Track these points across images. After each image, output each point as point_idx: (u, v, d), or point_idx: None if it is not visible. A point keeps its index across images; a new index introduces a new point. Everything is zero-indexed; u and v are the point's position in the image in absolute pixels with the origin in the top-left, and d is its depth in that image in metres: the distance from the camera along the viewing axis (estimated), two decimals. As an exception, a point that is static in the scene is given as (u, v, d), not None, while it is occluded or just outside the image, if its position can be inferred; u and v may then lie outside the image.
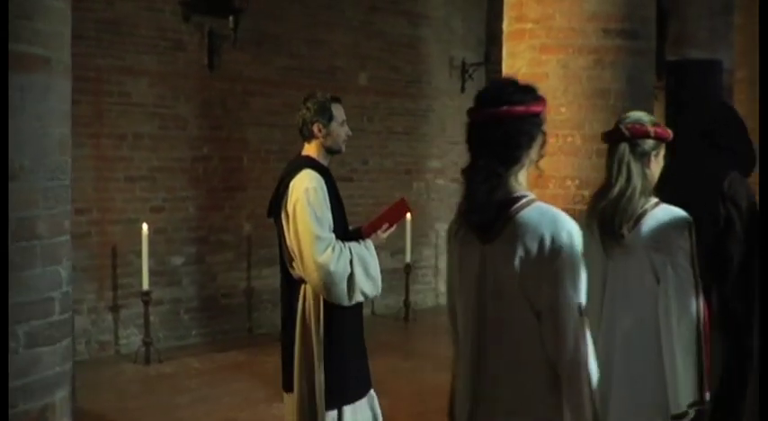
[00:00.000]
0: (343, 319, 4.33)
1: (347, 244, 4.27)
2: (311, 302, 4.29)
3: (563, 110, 5.60)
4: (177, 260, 8.34)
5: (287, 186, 4.30)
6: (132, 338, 8.01)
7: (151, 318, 7.97)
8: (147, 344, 7.67)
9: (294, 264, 4.27)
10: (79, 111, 7.47)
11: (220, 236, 8.61)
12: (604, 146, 5.56)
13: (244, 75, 8.69)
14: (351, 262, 4.22)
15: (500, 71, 10.68)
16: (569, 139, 5.60)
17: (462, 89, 10.77)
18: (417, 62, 10.37)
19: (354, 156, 9.63)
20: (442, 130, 10.61)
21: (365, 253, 4.32)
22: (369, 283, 4.32)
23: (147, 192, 8.08)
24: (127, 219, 7.95)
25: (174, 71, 8.21)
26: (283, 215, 4.31)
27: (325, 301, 4.25)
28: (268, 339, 8.48)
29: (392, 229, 4.48)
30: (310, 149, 4.47)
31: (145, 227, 7.60)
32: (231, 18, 8.03)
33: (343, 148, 4.50)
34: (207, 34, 8.34)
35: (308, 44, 9.19)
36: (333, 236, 4.17)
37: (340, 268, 4.14)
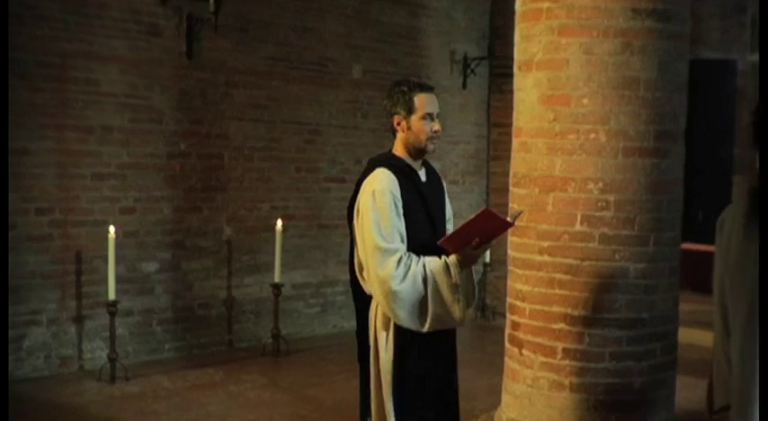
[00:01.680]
0: (414, 350, 3.84)
1: (422, 259, 3.74)
2: (380, 322, 3.85)
3: (585, 101, 4.97)
4: (150, 266, 7.65)
5: (359, 186, 3.96)
6: (98, 353, 7.30)
7: (120, 331, 7.31)
8: (112, 360, 6.93)
9: (364, 275, 3.89)
10: (41, 100, 6.86)
11: (198, 240, 7.95)
12: (632, 143, 4.93)
13: (226, 64, 8.03)
14: (424, 280, 3.68)
15: (504, 66, 10.37)
16: (592, 136, 4.96)
17: (464, 85, 10.18)
18: (416, 55, 9.72)
19: (347, 155, 9.03)
20: (443, 129, 9.80)
21: (441, 271, 3.73)
22: (444, 308, 3.75)
23: (116, 191, 7.40)
24: (93, 220, 7.25)
25: (149, 58, 7.52)
26: (355, 219, 3.95)
27: (395, 324, 3.78)
28: (249, 354, 7.90)
29: (486, 246, 3.81)
30: (396, 145, 3.99)
31: (112, 229, 6.91)
32: (212, 1, 7.28)
33: (429, 147, 3.91)
34: (185, 18, 7.66)
35: (296, 32, 8.52)
36: (401, 247, 3.71)
37: (406, 287, 3.68)
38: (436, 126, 3.86)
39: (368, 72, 9.20)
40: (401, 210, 3.73)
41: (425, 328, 3.75)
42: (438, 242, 3.75)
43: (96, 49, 7.18)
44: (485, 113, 10.38)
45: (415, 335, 3.80)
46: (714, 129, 11.34)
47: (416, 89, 3.85)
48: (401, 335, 3.83)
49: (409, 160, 3.91)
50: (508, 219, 3.85)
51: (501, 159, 9.27)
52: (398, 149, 3.92)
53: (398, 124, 3.86)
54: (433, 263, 3.73)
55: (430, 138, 3.83)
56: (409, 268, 3.68)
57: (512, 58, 9.77)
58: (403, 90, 3.86)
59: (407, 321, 3.76)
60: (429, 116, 3.83)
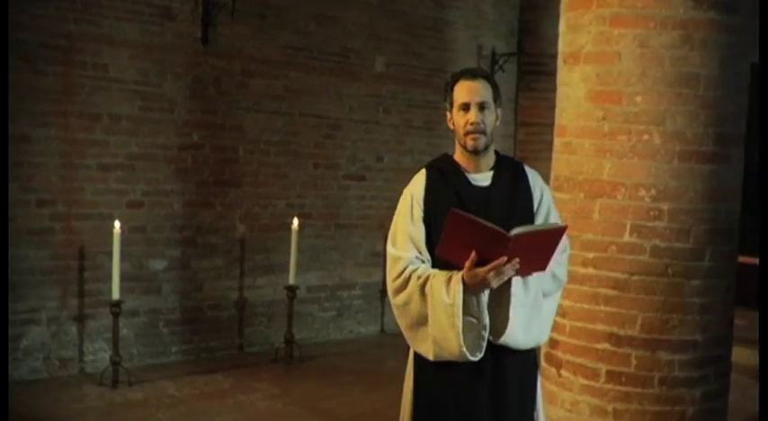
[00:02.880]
0: (427, 379, 3.36)
1: (430, 271, 3.23)
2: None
3: (638, 99, 4.55)
4: (157, 264, 7.25)
5: None
6: (100, 355, 6.90)
7: (124, 332, 6.93)
8: (115, 363, 6.52)
9: None
10: (45, 84, 6.49)
11: (209, 238, 7.55)
12: (689, 147, 4.47)
13: (242, 52, 7.62)
14: (423, 296, 3.21)
15: (533, 63, 9.97)
16: (645, 137, 4.54)
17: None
18: (442, 49, 9.32)
19: (367, 152, 8.68)
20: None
21: (440, 287, 3.16)
22: (442, 333, 3.16)
23: (123, 183, 7.00)
24: (98, 214, 6.85)
25: (161, 43, 7.11)
26: None
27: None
28: (261, 360, 7.52)
29: (500, 266, 3.06)
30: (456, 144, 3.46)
31: (117, 224, 6.52)
32: (230, -16, 6.88)
33: (469, 144, 3.31)
34: (201, 2, 7.26)
35: (317, 20, 8.13)
36: (407, 255, 3.25)
37: (402, 301, 3.26)
38: (471, 116, 3.26)
39: (391, 65, 8.83)
40: (419, 216, 3.29)
41: (431, 356, 3.22)
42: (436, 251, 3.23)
43: (105, 31, 6.78)
44: (512, 112, 10.01)
45: (431, 365, 3.27)
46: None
47: (458, 78, 3.37)
48: (416, 361, 3.38)
49: (464, 161, 3.37)
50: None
51: (528, 160, 8.77)
52: (456, 149, 3.44)
53: (450, 121, 3.40)
54: (438, 277, 3.20)
55: (467, 133, 3.27)
56: (408, 280, 3.23)
57: (542, 55, 9.69)
58: (447, 81, 3.43)
59: (412, 343, 3.32)
60: (464, 107, 3.28)
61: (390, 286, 3.29)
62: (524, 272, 3.12)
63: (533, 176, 3.45)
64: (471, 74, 3.35)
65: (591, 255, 4.60)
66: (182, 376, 6.89)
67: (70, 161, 6.67)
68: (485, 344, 3.15)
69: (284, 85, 7.90)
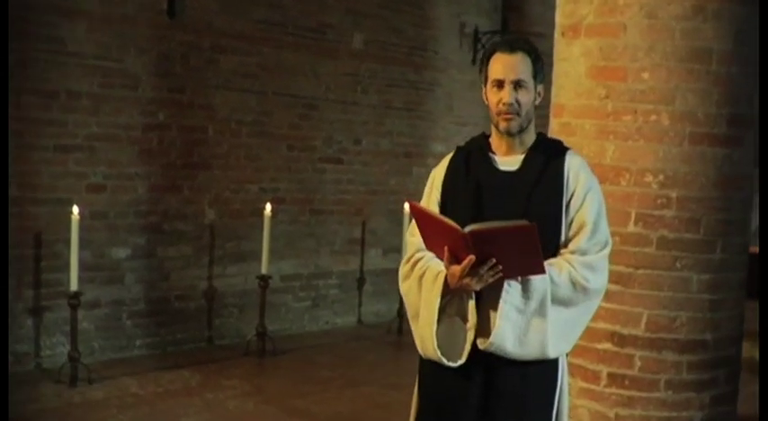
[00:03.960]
0: (425, 378, 3.13)
1: (432, 261, 3.00)
2: None
3: (645, 76, 4.23)
4: (120, 252, 6.83)
5: None
6: (58, 349, 6.46)
7: (84, 325, 6.53)
8: (73, 359, 6.08)
9: None
10: None
11: (176, 224, 7.15)
12: (700, 129, 4.11)
13: (212, 25, 7.21)
14: (420, 287, 2.99)
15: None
16: (652, 118, 4.22)
17: (474, 61, 9.40)
18: (423, 26, 8.97)
19: (345, 134, 8.33)
20: (449, 108, 9.33)
21: (429, 280, 2.96)
22: (424, 329, 2.95)
23: (83, 165, 6.57)
24: (56, 199, 6.42)
25: (123, 15, 6.67)
26: None
27: None
28: (231, 354, 7.12)
29: (470, 265, 2.77)
30: None
31: (76, 210, 6.09)
32: (199, -48, 6.44)
33: (501, 126, 2.96)
34: (167, -29, 6.85)
35: (293, -7, 7.75)
36: (415, 240, 3.07)
37: (405, 289, 3.07)
38: (504, 95, 2.91)
39: (370, 42, 8.47)
40: (435, 200, 3.07)
41: (420, 350, 3.00)
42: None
43: (61, 1, 6.33)
44: None
45: (428, 362, 3.01)
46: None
47: (494, 49, 3.02)
48: (420, 357, 3.07)
49: (495, 142, 3.03)
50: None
51: None
52: (492, 127, 3.11)
53: (484, 95, 3.03)
54: (432, 269, 2.98)
55: (498, 113, 2.93)
56: (413, 268, 3.03)
57: (527, 34, 9.30)
58: (484, 53, 3.07)
59: (414, 336, 3.06)
60: (498, 83, 2.94)
61: (399, 273, 3.12)
62: (510, 273, 2.79)
63: (573, 163, 3.00)
64: (509, 46, 2.98)
65: (591, 247, 4.21)
66: (146, 372, 6.46)
67: (25, 142, 6.22)
68: (467, 349, 2.87)
69: (257, 62, 7.52)
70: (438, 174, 3.10)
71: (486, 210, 2.92)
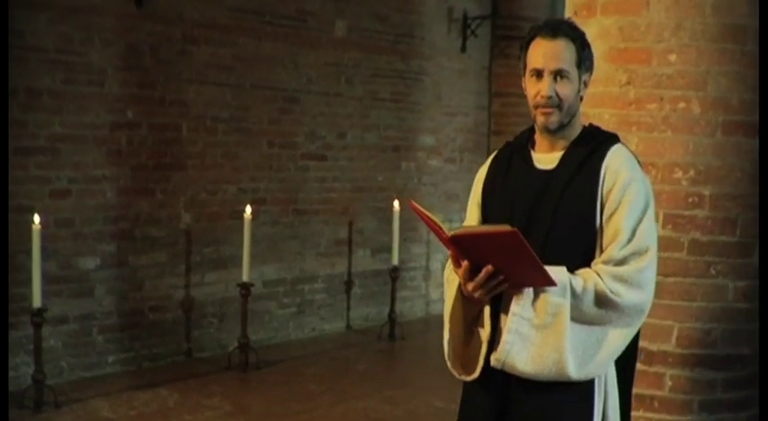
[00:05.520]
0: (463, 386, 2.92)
1: None
2: None
3: (672, 58, 3.83)
4: (88, 262, 6.40)
5: None
6: (23, 370, 5.98)
7: (51, 343, 6.11)
8: (38, 382, 5.63)
9: None
10: None
11: (149, 230, 6.74)
12: (735, 117, 3.68)
13: (183, 14, 6.79)
14: None
15: (508, 27, 9.28)
16: (681, 106, 3.83)
17: (463, 48, 9.14)
18: (409, 12, 8.60)
19: (328, 128, 7.95)
20: (438, 98, 8.97)
21: (449, 290, 2.81)
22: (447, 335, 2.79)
23: (45, 169, 6.14)
24: (16, 206, 5.96)
25: (88, 4, 6.25)
26: None
27: None
28: (212, 368, 6.72)
29: (462, 270, 2.60)
30: None
31: (37, 219, 5.66)
32: (166, -65, 6.00)
33: (538, 120, 2.71)
34: (133, -44, 6.42)
35: (270, -22, 7.38)
36: None
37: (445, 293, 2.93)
38: (543, 87, 2.65)
39: (353, 30, 8.10)
40: (477, 199, 2.92)
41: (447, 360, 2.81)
42: None
43: (18, -10, 5.89)
44: (486, 81, 9.43)
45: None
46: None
47: (535, 33, 2.74)
48: None
49: (538, 136, 2.79)
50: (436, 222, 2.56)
51: (503, 134, 8.37)
52: None
53: (524, 85, 2.79)
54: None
55: (536, 106, 2.69)
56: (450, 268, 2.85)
57: (518, 19, 8.98)
58: (524, 38, 2.78)
59: None
60: (537, 73, 2.69)
61: None
62: (515, 284, 2.58)
63: (613, 159, 2.66)
64: (552, 30, 2.69)
65: (614, 253, 3.80)
66: (118, 392, 5.99)
67: (-20, 144, 5.77)
68: (481, 363, 2.67)
69: (233, 54, 7.12)
70: (481, 173, 2.92)
71: (516, 212, 2.71)
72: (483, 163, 2.98)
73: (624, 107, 3.81)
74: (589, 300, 2.55)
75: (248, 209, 6.74)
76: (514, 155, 2.83)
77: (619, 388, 2.72)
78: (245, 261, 6.67)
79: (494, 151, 2.96)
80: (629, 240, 2.57)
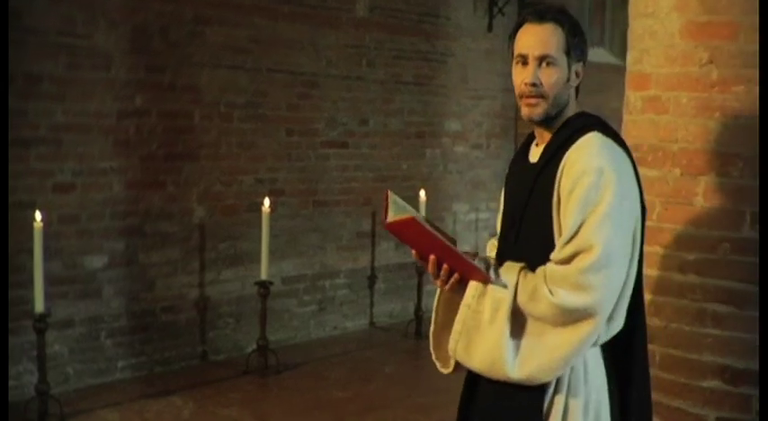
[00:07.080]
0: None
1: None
2: None
3: None
4: (95, 261, 6.02)
5: None
6: (25, 379, 5.61)
7: (56, 349, 5.73)
8: (42, 393, 5.23)
9: None
10: None
11: (160, 225, 6.37)
12: None
13: None
14: None
15: (538, 4, 8.86)
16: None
17: (489, 27, 8.71)
18: None
19: (350, 114, 7.57)
20: (464, 81, 8.56)
21: None
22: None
23: (47, 161, 5.75)
24: (17, 201, 5.58)
25: None
26: None
27: None
28: (229, 372, 6.36)
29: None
30: None
31: (38, 215, 5.26)
32: None
33: (523, 111, 2.61)
34: (140, -71, 6.01)
35: (287, -46, 6.96)
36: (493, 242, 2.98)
37: None
38: (526, 74, 2.56)
39: (375, 9, 7.70)
40: (503, 191, 2.93)
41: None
42: None
43: (15, -33, 5.47)
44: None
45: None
46: None
47: (523, 19, 2.68)
48: None
49: (534, 128, 2.69)
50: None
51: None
52: None
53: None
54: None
55: (520, 96, 2.60)
56: None
57: None
58: (514, 26, 2.72)
59: None
60: (521, 59, 2.61)
61: None
62: (463, 276, 2.56)
63: (574, 149, 2.50)
64: (539, 15, 2.60)
65: (692, 257, 3.40)
66: (129, 402, 5.60)
67: (-24, 135, 5.37)
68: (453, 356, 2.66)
69: (248, 35, 6.74)
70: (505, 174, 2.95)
71: (510, 208, 2.75)
72: (510, 148, 2.74)
73: (705, 90, 3.34)
74: (527, 298, 2.46)
75: (266, 201, 6.37)
76: (524, 147, 2.80)
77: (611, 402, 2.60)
78: (264, 257, 6.30)
79: (522, 137, 2.79)
80: (572, 237, 2.42)
